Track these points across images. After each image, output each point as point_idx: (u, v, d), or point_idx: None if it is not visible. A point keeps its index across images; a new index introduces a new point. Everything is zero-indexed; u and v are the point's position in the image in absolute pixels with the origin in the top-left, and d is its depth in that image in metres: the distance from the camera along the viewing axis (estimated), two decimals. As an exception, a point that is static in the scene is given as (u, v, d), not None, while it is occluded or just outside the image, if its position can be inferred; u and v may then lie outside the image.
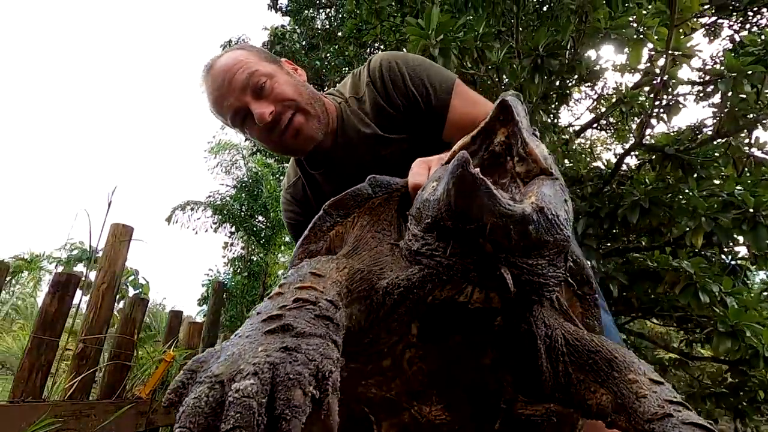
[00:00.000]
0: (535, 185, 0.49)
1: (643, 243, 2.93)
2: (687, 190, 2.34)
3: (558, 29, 2.42)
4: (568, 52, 2.46)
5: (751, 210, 2.03)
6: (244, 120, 0.96)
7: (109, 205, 1.76)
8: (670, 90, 2.55)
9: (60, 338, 1.52)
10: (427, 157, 0.73)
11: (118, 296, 1.94)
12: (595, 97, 6.21)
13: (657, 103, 2.51)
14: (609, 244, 2.93)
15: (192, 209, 13.83)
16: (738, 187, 2.17)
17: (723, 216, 2.01)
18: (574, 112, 6.95)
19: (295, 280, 0.47)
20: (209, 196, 14.00)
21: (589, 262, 2.40)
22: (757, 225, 2.00)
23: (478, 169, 0.43)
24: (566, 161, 4.56)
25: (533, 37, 2.39)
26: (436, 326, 0.54)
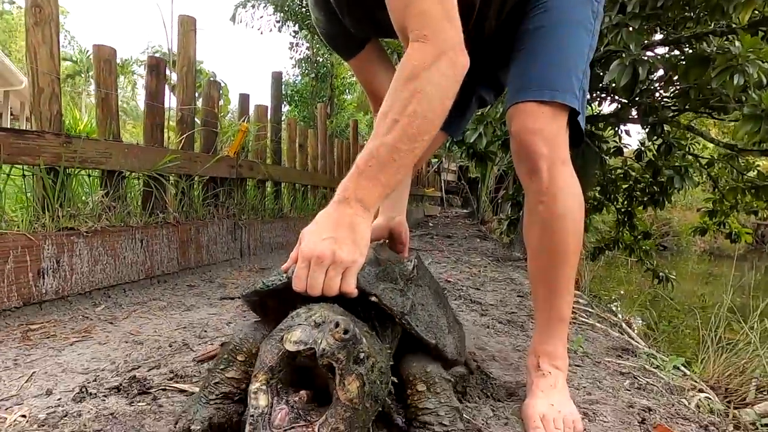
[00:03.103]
0: (334, 417, 0.62)
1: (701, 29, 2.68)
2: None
3: None
4: None
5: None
6: None
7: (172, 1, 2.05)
8: None
9: (163, 105, 2.07)
10: (311, 250, 0.73)
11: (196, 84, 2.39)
12: None
13: None
14: (657, 32, 2.73)
15: (253, 6, 13.46)
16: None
17: (782, -16, 1.82)
18: None
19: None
20: (268, -9, 13.30)
21: (628, 46, 2.35)
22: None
23: None
24: None
25: None
26: None
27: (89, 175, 1.78)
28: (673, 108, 3.51)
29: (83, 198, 1.74)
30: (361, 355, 0.66)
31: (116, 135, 1.83)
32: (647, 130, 3.45)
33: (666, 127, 3.54)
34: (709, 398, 1.45)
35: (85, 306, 1.60)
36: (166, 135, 2.12)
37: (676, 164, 3.51)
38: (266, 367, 0.66)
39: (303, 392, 0.66)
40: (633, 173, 4.46)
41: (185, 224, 2.12)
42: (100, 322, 1.47)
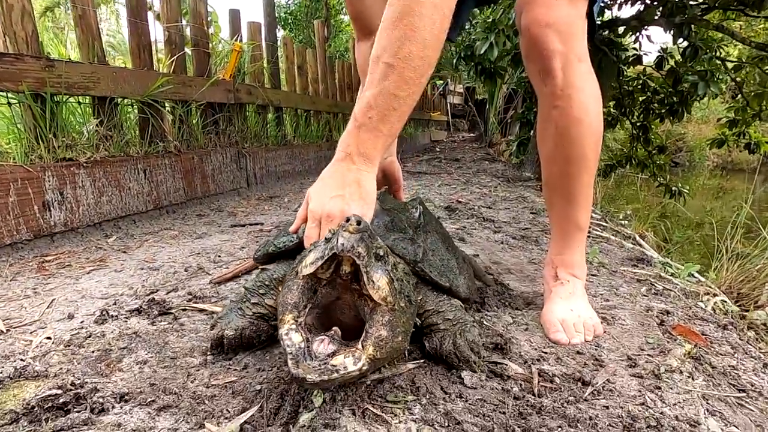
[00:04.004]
0: (374, 327, 0.62)
1: None
2: None
3: None
4: None
5: None
6: None
7: None
8: None
9: (147, 22, 1.90)
10: (319, 207, 0.74)
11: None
12: None
13: None
14: None
15: None
16: None
17: None
18: None
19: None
20: None
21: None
22: None
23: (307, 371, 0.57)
24: None
25: None
26: None
27: (80, 103, 1.68)
28: (702, 5, 3.20)
29: (77, 127, 1.66)
30: (381, 252, 0.64)
31: (101, 58, 1.70)
32: (672, 32, 3.17)
33: (693, 28, 3.26)
34: (725, 302, 1.45)
35: (97, 237, 1.60)
36: (155, 58, 1.97)
37: (701, 69, 3.28)
38: (289, 306, 0.65)
39: (335, 328, 0.64)
40: (652, 84, 4.21)
41: (187, 153, 2.06)
42: (113, 251, 1.47)
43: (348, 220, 0.60)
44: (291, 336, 0.61)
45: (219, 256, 1.43)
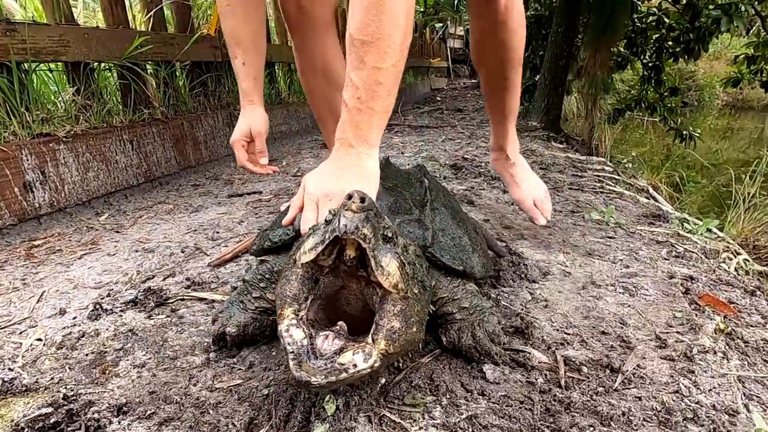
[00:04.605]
0: (385, 318, 0.55)
1: None
2: None
3: None
4: None
5: None
6: None
7: None
8: None
9: (117, -26, 1.71)
10: (316, 189, 0.71)
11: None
12: None
13: None
14: None
15: None
16: None
17: None
18: None
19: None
20: None
21: None
22: None
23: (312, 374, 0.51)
24: None
25: None
26: None
27: (51, 71, 1.54)
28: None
29: (52, 98, 1.53)
30: (389, 234, 0.57)
31: (69, 17, 1.54)
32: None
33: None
34: (747, 260, 1.39)
35: (87, 216, 1.52)
36: (130, 15, 1.79)
37: (724, 2, 3.02)
38: (288, 299, 0.57)
39: (340, 323, 0.57)
40: (667, 20, 3.93)
41: (175, 119, 1.93)
42: (106, 231, 1.40)
43: (350, 197, 0.52)
44: (292, 333, 0.55)
45: (217, 233, 1.36)
